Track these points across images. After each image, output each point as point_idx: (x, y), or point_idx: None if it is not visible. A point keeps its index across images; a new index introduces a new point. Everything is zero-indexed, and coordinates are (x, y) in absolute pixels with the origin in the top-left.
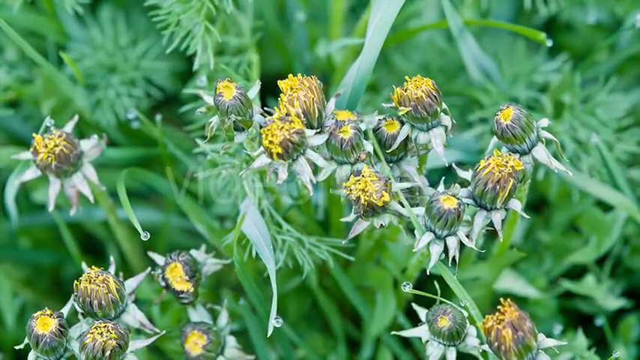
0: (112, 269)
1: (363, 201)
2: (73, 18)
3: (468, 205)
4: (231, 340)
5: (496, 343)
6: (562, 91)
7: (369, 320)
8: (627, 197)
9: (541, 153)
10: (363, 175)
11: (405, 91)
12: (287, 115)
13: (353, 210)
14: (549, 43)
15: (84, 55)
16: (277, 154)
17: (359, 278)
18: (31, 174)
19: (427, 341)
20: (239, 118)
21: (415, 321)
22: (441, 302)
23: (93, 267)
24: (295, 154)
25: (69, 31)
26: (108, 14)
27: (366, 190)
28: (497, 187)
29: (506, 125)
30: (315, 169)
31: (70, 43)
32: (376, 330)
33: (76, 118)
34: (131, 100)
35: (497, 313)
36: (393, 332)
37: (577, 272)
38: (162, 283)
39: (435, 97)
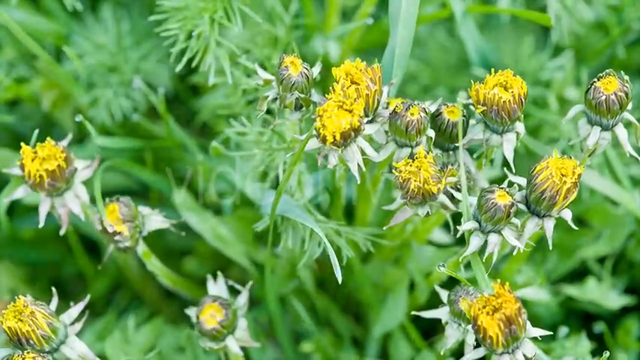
0: (54, 302)
1: (413, 186)
2: (73, 16)
3: (518, 208)
4: (243, 323)
5: (481, 335)
6: (565, 86)
7: (376, 319)
8: (628, 192)
9: (623, 133)
10: (417, 157)
11: (490, 90)
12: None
13: (400, 195)
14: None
15: (85, 52)
16: (332, 141)
17: (376, 276)
18: (21, 192)
19: (446, 323)
20: (302, 95)
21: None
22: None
23: (20, 296)
24: (349, 141)
25: (69, 29)
26: (109, 13)
27: (419, 173)
28: (557, 196)
29: (608, 98)
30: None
31: (69, 41)
32: (381, 330)
33: (70, 136)
34: (128, 101)
35: (490, 297)
36: (413, 312)
37: (580, 270)
38: (99, 227)
39: (522, 102)
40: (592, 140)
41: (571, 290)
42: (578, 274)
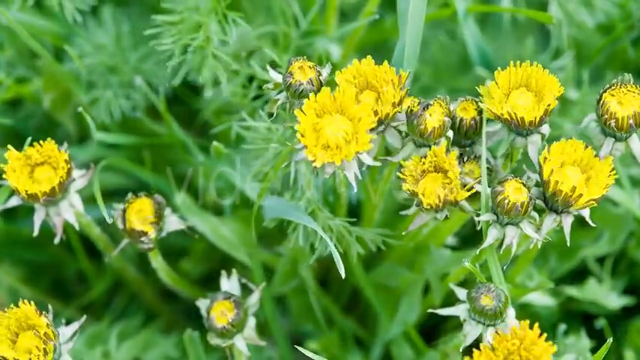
0: (50, 317)
1: (433, 202)
2: (74, 18)
3: (535, 203)
4: (252, 321)
5: None
6: (566, 86)
7: (385, 321)
8: (628, 192)
9: (637, 145)
10: (437, 157)
11: (505, 105)
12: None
13: (415, 202)
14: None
15: (85, 52)
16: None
17: (386, 278)
18: (15, 201)
19: (464, 320)
20: None
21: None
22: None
23: (43, 317)
24: None
25: (70, 31)
26: (109, 15)
27: (437, 189)
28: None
29: (623, 121)
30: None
31: (70, 42)
32: (394, 332)
33: (66, 145)
34: (128, 102)
35: (513, 340)
36: (429, 310)
37: (580, 270)
38: (121, 225)
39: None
40: (605, 152)
41: (571, 291)
42: (578, 274)
